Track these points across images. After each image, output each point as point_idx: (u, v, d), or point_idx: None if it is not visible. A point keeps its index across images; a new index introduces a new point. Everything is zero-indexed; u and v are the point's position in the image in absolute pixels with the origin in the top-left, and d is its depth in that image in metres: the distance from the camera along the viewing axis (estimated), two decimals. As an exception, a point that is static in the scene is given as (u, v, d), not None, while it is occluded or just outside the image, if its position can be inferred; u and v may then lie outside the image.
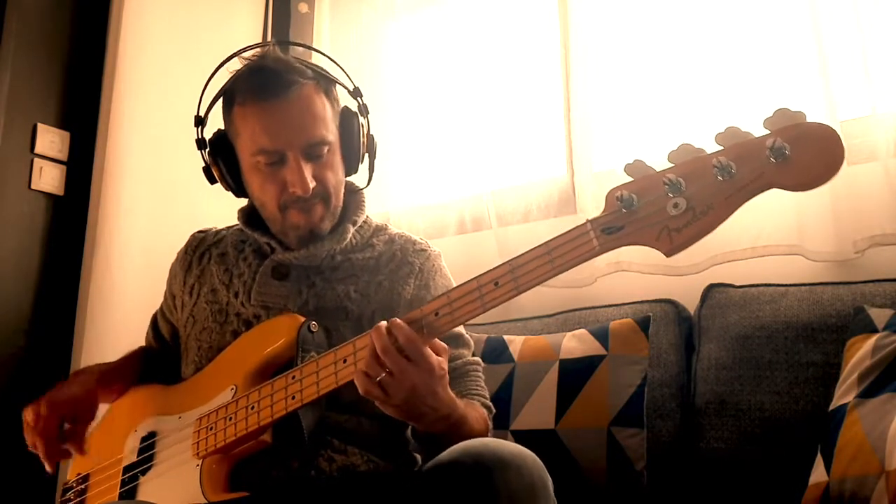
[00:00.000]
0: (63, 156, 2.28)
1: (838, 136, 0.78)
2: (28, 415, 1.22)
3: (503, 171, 2.08)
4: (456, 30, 2.21)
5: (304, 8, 2.52)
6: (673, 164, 0.85)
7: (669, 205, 0.84)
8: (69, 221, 2.26)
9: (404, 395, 0.96)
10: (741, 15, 1.77)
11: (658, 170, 0.87)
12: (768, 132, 0.81)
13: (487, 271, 0.95)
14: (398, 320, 0.97)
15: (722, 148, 0.83)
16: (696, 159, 0.84)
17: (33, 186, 2.20)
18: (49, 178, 2.24)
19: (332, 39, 2.50)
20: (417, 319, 0.98)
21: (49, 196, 2.24)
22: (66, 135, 2.29)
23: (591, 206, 1.88)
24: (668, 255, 0.85)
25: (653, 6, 1.90)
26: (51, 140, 2.25)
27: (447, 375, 1.01)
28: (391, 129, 2.23)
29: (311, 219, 1.20)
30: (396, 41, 2.36)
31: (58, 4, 2.32)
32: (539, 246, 0.92)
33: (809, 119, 0.80)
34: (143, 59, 2.29)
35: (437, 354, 1.00)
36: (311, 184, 1.17)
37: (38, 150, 2.22)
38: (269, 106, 1.16)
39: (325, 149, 1.19)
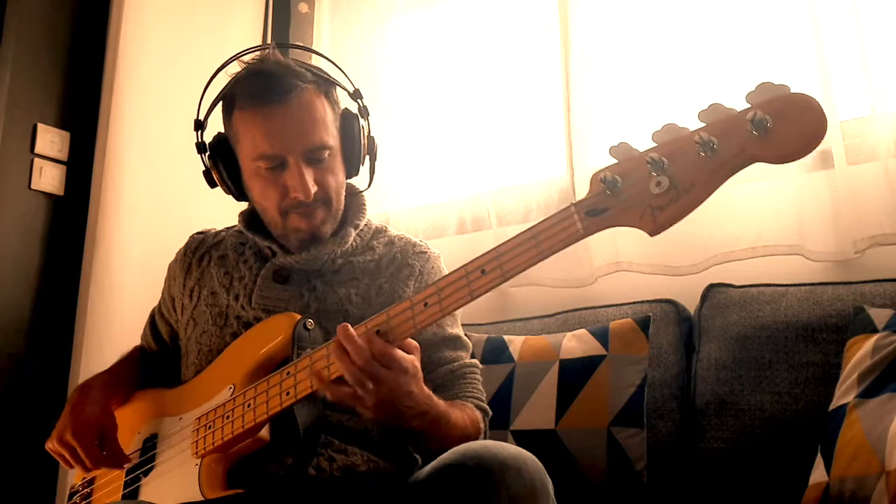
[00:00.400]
0: (63, 156, 2.28)
1: (819, 106, 0.77)
2: (59, 448, 1.19)
3: (503, 171, 2.08)
4: (456, 30, 2.21)
5: (304, 8, 2.52)
6: (657, 144, 0.85)
7: (652, 184, 0.83)
8: (69, 221, 2.26)
9: (380, 399, 0.97)
10: (741, 15, 1.77)
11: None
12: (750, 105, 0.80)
13: (474, 259, 0.95)
14: (369, 331, 0.97)
15: (704, 124, 0.83)
16: (678, 138, 0.83)
17: (33, 186, 2.21)
18: (49, 178, 2.24)
19: (332, 39, 2.50)
20: (405, 310, 0.98)
21: (49, 196, 2.25)
22: (66, 135, 2.29)
23: (591, 206, 1.87)
24: (651, 234, 0.85)
25: (653, 7, 1.90)
26: (51, 140, 2.25)
27: (420, 372, 1.02)
28: (391, 128, 2.23)
29: (312, 223, 1.20)
30: (396, 41, 2.36)
31: (58, 4, 2.32)
32: (524, 231, 0.92)
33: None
34: (143, 60, 2.28)
35: (409, 353, 1.00)
36: (313, 189, 1.16)
37: (38, 150, 2.22)
38: (269, 111, 1.15)
39: (326, 153, 1.19)
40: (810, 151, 0.78)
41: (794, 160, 0.79)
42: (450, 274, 0.97)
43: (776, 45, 1.71)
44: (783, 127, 0.78)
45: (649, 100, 1.86)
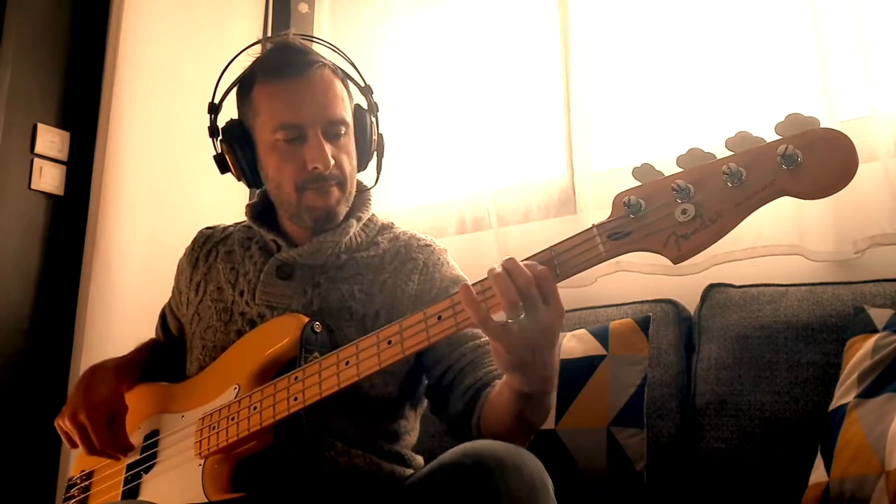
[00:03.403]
0: (63, 156, 2.28)
1: (852, 144, 0.76)
2: (69, 427, 1.19)
3: (503, 171, 2.09)
4: (456, 29, 2.21)
5: (304, 8, 2.52)
6: (682, 169, 0.83)
7: (678, 211, 0.82)
8: (69, 221, 2.26)
9: (532, 339, 0.89)
10: (741, 15, 1.77)
11: (664, 173, 0.85)
12: (779, 137, 0.79)
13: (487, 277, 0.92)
14: (531, 262, 0.88)
15: (732, 153, 0.81)
16: (705, 165, 0.82)
17: (33, 186, 2.21)
18: (49, 178, 2.24)
19: (331, 39, 2.46)
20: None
21: (49, 196, 2.25)
22: (66, 135, 2.29)
23: (591, 206, 1.88)
24: (675, 262, 0.84)
25: (653, 7, 1.90)
26: (51, 140, 2.25)
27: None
28: (391, 128, 2.22)
29: (327, 201, 1.19)
30: (396, 41, 2.36)
31: (58, 4, 2.32)
32: (543, 251, 0.90)
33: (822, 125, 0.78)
34: (143, 59, 2.29)
35: None
36: (332, 161, 1.17)
37: (38, 150, 2.22)
38: (292, 82, 1.17)
39: (343, 129, 1.20)
40: (840, 189, 0.77)
41: (823, 196, 0.78)
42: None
43: (776, 45, 1.71)
44: (814, 162, 0.76)
45: (649, 100, 1.86)
